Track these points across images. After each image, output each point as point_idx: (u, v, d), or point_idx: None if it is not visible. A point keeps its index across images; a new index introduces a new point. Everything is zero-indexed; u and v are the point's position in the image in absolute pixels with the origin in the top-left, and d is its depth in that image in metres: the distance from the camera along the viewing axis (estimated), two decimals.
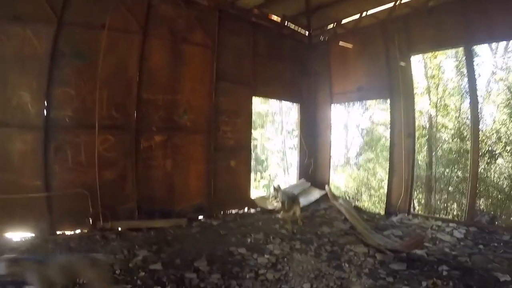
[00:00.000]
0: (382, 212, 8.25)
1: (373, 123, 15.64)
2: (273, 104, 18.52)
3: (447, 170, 10.41)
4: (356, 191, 13.16)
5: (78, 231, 5.81)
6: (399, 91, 7.84)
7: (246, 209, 8.15)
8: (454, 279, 4.21)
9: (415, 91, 8.46)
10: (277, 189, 8.03)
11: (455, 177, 10.24)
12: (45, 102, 5.51)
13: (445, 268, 4.52)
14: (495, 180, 9.13)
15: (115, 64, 6.21)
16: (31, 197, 5.34)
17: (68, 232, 5.72)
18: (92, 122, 5.86)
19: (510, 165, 9.14)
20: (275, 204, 8.23)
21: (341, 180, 14.35)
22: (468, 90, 7.62)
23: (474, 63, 7.32)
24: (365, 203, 11.88)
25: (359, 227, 6.19)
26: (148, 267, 4.43)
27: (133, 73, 6.42)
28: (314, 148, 10.13)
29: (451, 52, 10.70)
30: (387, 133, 14.00)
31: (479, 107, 7.52)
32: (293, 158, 18.04)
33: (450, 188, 10.20)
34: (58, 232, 5.62)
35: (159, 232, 6.04)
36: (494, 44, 11.88)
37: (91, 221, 5.84)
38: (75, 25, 5.79)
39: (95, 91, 5.90)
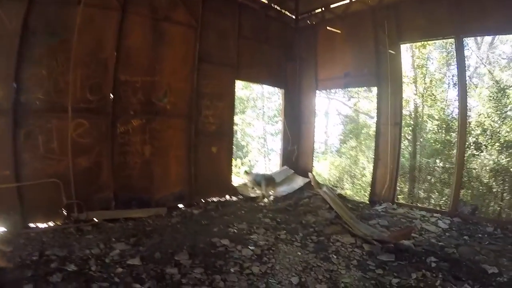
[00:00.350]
0: (366, 201, 8.21)
1: (356, 111, 15.65)
2: (255, 89, 18.32)
3: (430, 160, 10.48)
4: (338, 179, 13.12)
5: (52, 223, 5.34)
6: (387, 79, 7.68)
7: (228, 197, 7.87)
8: (443, 271, 4.15)
9: (403, 80, 8.29)
10: (248, 173, 8.27)
11: (438, 168, 10.32)
12: (14, 84, 4.96)
13: (433, 259, 4.46)
14: (477, 172, 9.20)
15: (90, 43, 5.69)
16: (0, 188, 4.86)
17: (41, 225, 5.26)
18: (65, 106, 5.37)
19: (493, 157, 9.23)
20: (257, 192, 8.02)
21: (323, 167, 14.29)
22: (456, 81, 7.58)
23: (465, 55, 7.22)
24: (348, 191, 11.87)
25: (344, 216, 6.06)
26: (126, 262, 4.12)
27: (110, 53, 5.91)
28: (297, 135, 9.94)
29: (440, 42, 10.68)
30: (371, 122, 14.05)
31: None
32: (274, 144, 18.00)
33: (432, 179, 10.29)
34: (31, 225, 5.18)
35: (138, 223, 5.69)
36: (479, 39, 12.03)
37: (65, 212, 5.42)
38: (48, 0, 5.22)
39: (69, 71, 5.38)
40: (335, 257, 4.60)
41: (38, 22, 5.13)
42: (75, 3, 5.41)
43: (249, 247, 4.80)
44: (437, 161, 10.33)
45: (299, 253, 4.68)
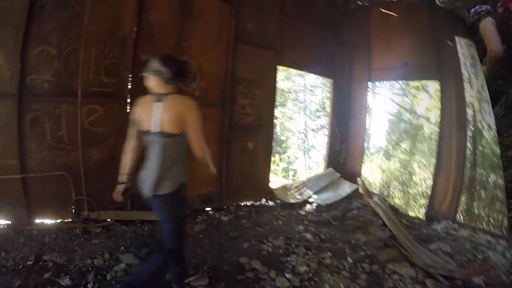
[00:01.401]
0: (420, 215, 7.02)
1: (410, 111, 14.13)
2: (296, 81, 17.30)
3: (489, 173, 8.93)
4: (385, 185, 11.69)
5: (59, 220, 4.67)
6: (449, 73, 6.41)
7: (263, 201, 6.83)
8: None
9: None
10: None
11: (494, 183, 8.75)
12: (21, 64, 4.21)
13: None
14: None
15: (106, 18, 4.79)
16: (5, 179, 4.23)
17: (48, 221, 4.61)
18: (76, 89, 4.57)
19: None
20: (298, 197, 7.04)
21: (368, 170, 12.80)
22: None
23: None
24: (397, 200, 10.52)
25: (401, 237, 5.02)
26: None
27: (129, 29, 5.01)
28: (345, 133, 8.66)
29: None
30: (427, 123, 12.56)
31: None
32: (315, 140, 16.96)
33: (496, 194, 8.75)
34: (36, 221, 4.53)
35: (155, 227, 4.85)
36: None
37: (73, 210, 4.71)
38: None
39: (81, 50, 4.56)
40: None
41: None
42: None
43: (286, 274, 3.89)
44: (494, 176, 8.74)
45: None
